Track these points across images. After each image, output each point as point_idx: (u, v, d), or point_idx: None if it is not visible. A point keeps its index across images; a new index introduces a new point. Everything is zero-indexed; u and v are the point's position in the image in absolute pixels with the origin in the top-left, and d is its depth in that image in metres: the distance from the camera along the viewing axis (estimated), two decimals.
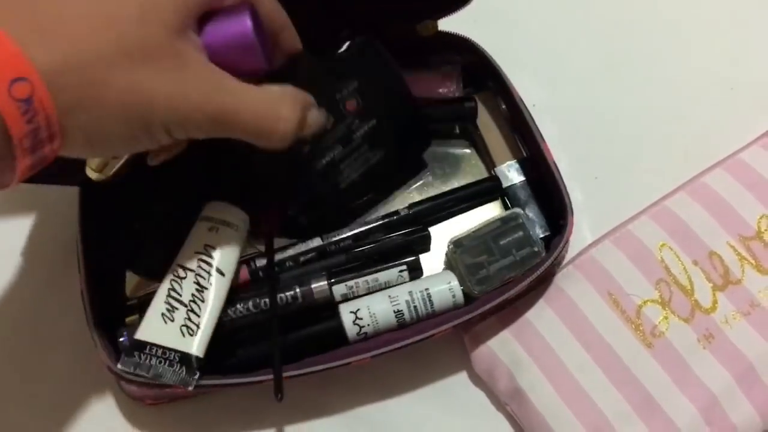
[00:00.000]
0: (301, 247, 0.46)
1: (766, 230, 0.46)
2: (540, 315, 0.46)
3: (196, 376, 0.40)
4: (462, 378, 0.47)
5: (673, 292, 0.45)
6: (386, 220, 0.48)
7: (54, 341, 0.48)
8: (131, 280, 0.46)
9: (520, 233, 0.45)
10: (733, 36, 0.58)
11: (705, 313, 0.45)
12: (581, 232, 0.51)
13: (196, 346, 0.40)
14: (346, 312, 0.44)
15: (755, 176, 0.48)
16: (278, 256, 0.46)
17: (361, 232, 0.47)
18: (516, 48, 0.51)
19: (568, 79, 0.57)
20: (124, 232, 0.47)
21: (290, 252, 0.46)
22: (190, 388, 0.40)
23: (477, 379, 0.47)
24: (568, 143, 0.52)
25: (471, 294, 0.44)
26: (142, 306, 0.45)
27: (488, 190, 0.49)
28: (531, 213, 0.48)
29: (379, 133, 0.46)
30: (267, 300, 0.44)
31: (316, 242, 0.47)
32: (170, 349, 0.40)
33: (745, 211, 0.47)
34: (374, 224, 0.48)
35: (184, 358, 0.40)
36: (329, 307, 0.44)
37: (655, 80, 0.57)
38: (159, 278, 0.43)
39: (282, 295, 0.44)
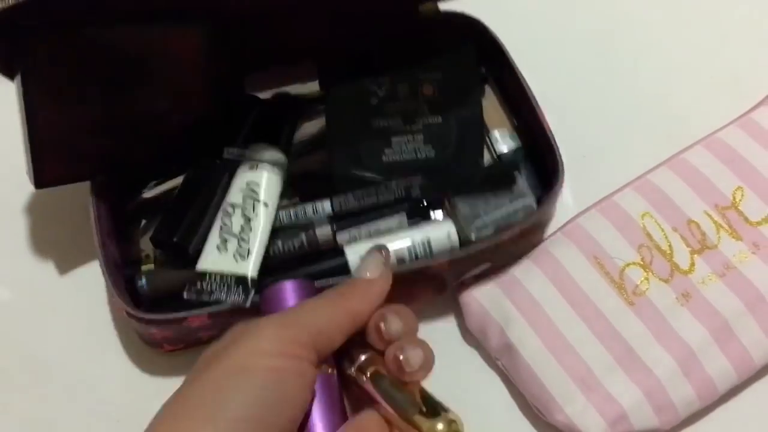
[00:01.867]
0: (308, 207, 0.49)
1: (741, 201, 0.49)
2: (529, 275, 0.48)
3: (251, 294, 0.44)
4: (455, 336, 0.50)
5: (653, 255, 0.48)
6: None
7: (70, 291, 0.51)
8: (144, 233, 0.49)
9: (515, 185, 0.49)
10: (713, 30, 0.63)
11: (683, 274, 0.47)
12: (568, 207, 0.54)
13: (248, 267, 0.45)
14: (351, 253, 0.46)
15: (731, 153, 0.51)
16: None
17: (369, 206, 0.49)
18: (507, 35, 0.54)
19: (557, 65, 0.61)
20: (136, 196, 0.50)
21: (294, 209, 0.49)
22: (247, 305, 0.44)
23: (470, 338, 0.50)
24: (558, 125, 0.54)
25: (468, 241, 0.47)
26: (154, 257, 0.48)
27: (503, 173, 0.51)
28: (524, 175, 0.51)
29: (438, 134, 0.49)
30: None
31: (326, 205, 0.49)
32: (227, 274, 0.44)
33: (721, 184, 0.50)
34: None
35: (239, 280, 0.44)
36: (334, 251, 0.47)
37: (641, 69, 0.61)
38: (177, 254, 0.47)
39: (287, 241, 0.47)
